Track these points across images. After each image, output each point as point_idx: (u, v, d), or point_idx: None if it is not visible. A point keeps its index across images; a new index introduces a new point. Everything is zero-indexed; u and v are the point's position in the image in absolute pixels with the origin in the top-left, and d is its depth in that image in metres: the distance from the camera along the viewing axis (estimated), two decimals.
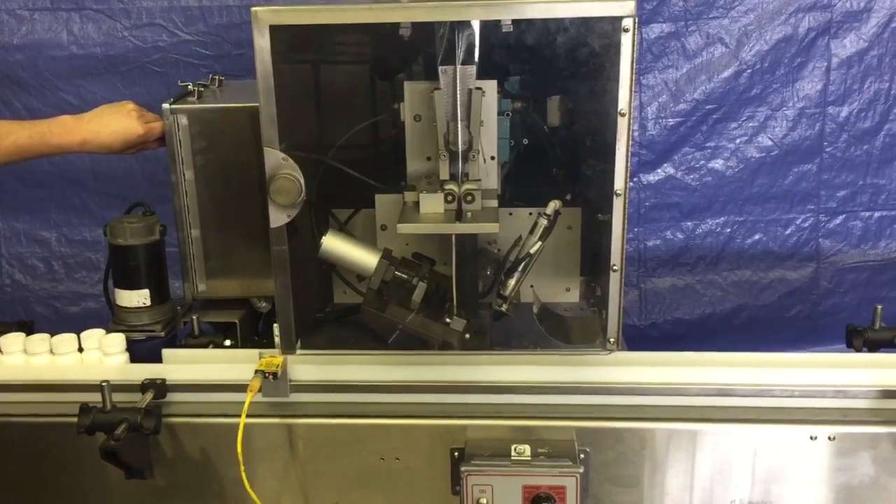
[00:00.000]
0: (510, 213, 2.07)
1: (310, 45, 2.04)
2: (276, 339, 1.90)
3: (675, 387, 1.89)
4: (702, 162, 3.11)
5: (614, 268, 1.79)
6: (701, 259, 3.19)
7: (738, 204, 3.13)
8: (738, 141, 3.07)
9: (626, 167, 1.73)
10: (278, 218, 1.78)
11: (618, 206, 1.76)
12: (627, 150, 1.72)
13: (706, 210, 3.14)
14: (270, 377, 1.88)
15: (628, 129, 1.71)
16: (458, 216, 1.78)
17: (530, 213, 2.04)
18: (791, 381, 1.90)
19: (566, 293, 2.18)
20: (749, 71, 3.02)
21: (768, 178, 3.10)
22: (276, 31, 1.66)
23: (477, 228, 1.82)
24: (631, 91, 1.69)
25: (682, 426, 1.86)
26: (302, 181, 1.75)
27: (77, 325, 2.06)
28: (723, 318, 3.22)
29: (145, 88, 2.96)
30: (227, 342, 2.10)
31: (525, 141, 2.05)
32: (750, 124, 3.07)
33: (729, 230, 3.16)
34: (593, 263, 2.08)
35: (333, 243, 1.94)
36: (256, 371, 1.89)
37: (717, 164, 3.11)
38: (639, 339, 3.22)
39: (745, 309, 3.21)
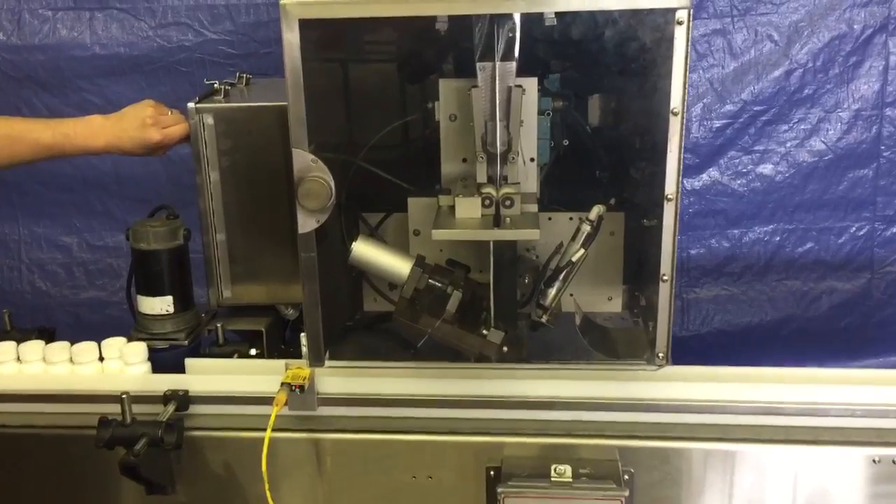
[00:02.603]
0: (549, 218, 1.98)
1: (340, 40, 1.97)
2: (304, 350, 1.81)
3: (727, 404, 1.80)
4: (749, 167, 2.99)
5: (664, 278, 1.69)
6: (747, 269, 3.07)
7: (789, 211, 3.00)
8: (788, 144, 2.95)
9: (678, 170, 1.63)
10: (307, 223, 1.69)
11: (668, 211, 1.65)
12: (680, 152, 1.62)
13: (754, 217, 3.02)
14: (297, 390, 1.82)
15: (681, 130, 1.61)
16: (496, 222, 1.70)
17: (571, 218, 1.97)
18: (852, 398, 1.80)
19: (608, 302, 2.08)
20: (800, 70, 2.89)
21: (821, 184, 2.97)
22: (305, 25, 1.59)
23: (517, 235, 1.73)
24: (685, 89, 1.60)
25: (734, 447, 1.78)
26: (332, 184, 1.66)
27: (99, 334, 2.01)
28: (769, 329, 3.10)
29: (171, 88, 2.84)
30: (253, 351, 2.05)
31: (566, 142, 1.99)
32: (801, 127, 2.94)
33: (778, 239, 3.03)
34: (638, 272, 1.99)
35: (364, 249, 1.86)
36: (283, 384, 1.83)
37: (766, 168, 2.99)
38: (681, 350, 3.02)
39: (793, 320, 3.09)
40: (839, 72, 2.88)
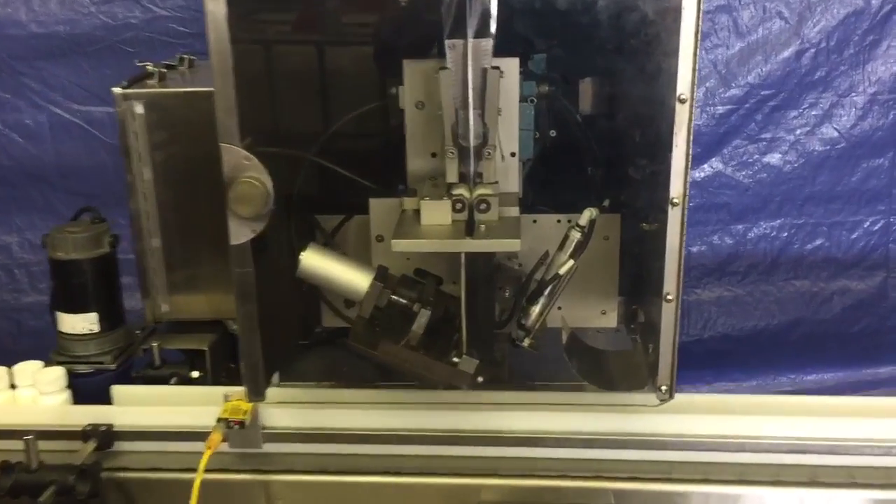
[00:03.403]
0: (534, 221, 1.80)
1: (283, 12, 1.77)
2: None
3: (742, 441, 1.62)
4: (756, 156, 2.83)
5: (668, 297, 1.45)
6: (753, 267, 2.92)
7: (797, 204, 2.86)
8: (798, 132, 2.80)
9: (686, 169, 1.40)
10: (240, 232, 1.44)
11: (674, 218, 1.42)
12: (688, 148, 1.40)
13: (760, 211, 2.87)
14: (236, 426, 1.61)
15: (689, 120, 1.39)
16: (469, 230, 1.50)
17: (558, 221, 1.79)
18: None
19: (601, 317, 1.88)
20: (812, 50, 2.73)
21: (833, 175, 2.83)
22: None
23: (493, 246, 1.50)
24: (694, 71, 1.36)
25: (749, 490, 1.60)
26: (270, 186, 1.42)
27: (42, 342, 1.92)
28: (777, 333, 2.96)
29: (116, 71, 2.58)
30: (195, 374, 1.89)
31: (553, 133, 1.80)
32: (812, 112, 2.79)
33: (786, 234, 2.89)
34: (636, 283, 1.81)
35: (314, 261, 1.62)
36: (219, 420, 1.62)
37: (774, 158, 2.83)
38: (681, 357, 2.89)
39: (802, 323, 2.95)
40: (854, 52, 2.73)
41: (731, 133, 2.83)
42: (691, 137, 1.39)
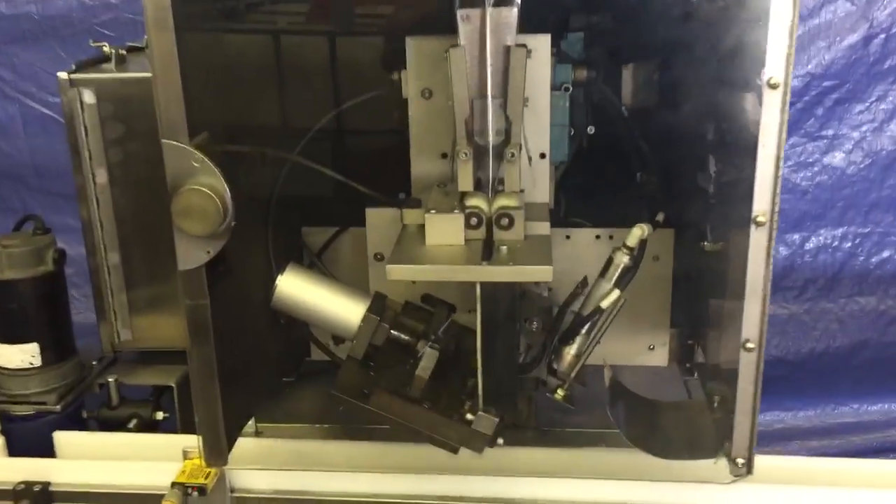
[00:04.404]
0: (567, 237, 1.60)
1: None
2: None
3: None
4: (815, 156, 2.63)
5: (748, 345, 1.14)
6: (811, 282, 2.70)
7: (863, 211, 2.65)
8: (864, 128, 2.59)
9: (776, 178, 1.08)
10: (190, 255, 1.17)
11: (758, 241, 1.12)
12: (779, 150, 1.08)
13: (819, 219, 2.66)
14: (194, 493, 1.36)
15: (783, 112, 1.08)
16: (487, 252, 1.24)
17: (597, 237, 1.59)
18: None
19: (649, 353, 1.67)
20: (882, 36, 2.52)
21: None
22: None
23: (517, 274, 1.23)
24: (791, 45, 1.05)
25: None
26: (227, 197, 1.13)
27: None
28: (838, 357, 2.74)
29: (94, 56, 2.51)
30: (160, 415, 1.73)
31: (591, 130, 1.58)
32: (881, 107, 2.57)
33: (849, 245, 2.68)
34: (694, 313, 1.56)
35: (294, 287, 1.37)
36: (174, 484, 1.37)
37: (836, 158, 2.63)
38: None
39: (867, 346, 2.73)
40: None
41: (789, 130, 2.53)
42: (784, 136, 1.06)
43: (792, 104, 2.51)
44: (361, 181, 1.53)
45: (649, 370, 1.66)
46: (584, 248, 1.58)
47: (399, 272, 1.19)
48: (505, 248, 1.25)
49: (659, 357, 1.67)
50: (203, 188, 1.11)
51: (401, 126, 1.50)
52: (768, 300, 1.14)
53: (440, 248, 1.26)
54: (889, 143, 2.59)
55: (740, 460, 1.19)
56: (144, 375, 1.75)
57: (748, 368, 1.15)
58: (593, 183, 1.66)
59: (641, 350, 1.66)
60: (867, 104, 2.57)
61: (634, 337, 1.64)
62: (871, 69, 2.54)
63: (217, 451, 1.26)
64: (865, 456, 2.82)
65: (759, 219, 1.11)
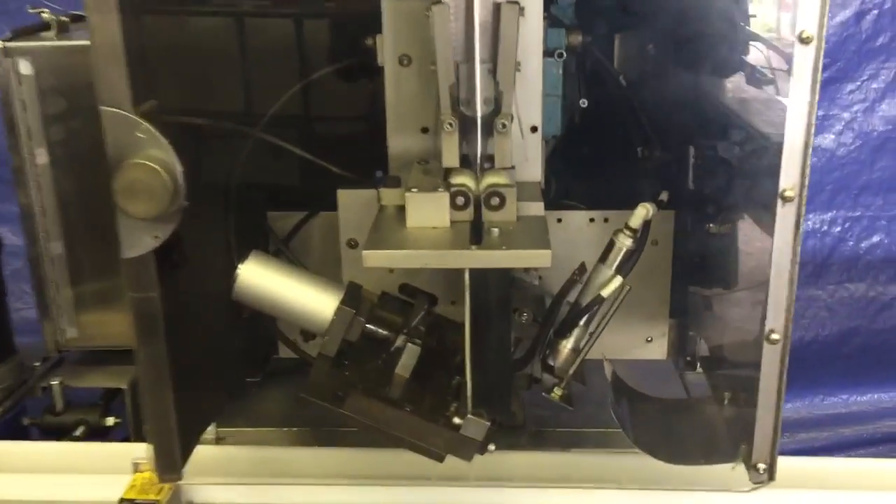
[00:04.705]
0: (559, 220, 1.48)
1: None
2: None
3: None
4: None
5: (772, 336, 1.04)
6: (799, 268, 2.59)
7: (853, 194, 2.64)
8: (854, 108, 2.59)
9: (807, 146, 0.96)
10: (134, 241, 1.04)
11: (785, 219, 1.05)
12: (812, 114, 0.98)
13: (808, 202, 2.55)
14: None
15: (815, 71, 0.95)
16: (476, 235, 1.11)
17: (591, 220, 1.48)
18: None
19: (646, 346, 1.55)
20: (875, 11, 2.52)
21: (895, 160, 2.61)
22: None
23: (512, 259, 1.09)
24: None
25: None
26: (178, 173, 1.00)
27: None
28: (827, 345, 2.72)
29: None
30: (111, 421, 1.64)
31: (583, 103, 1.45)
32: (872, 86, 2.57)
33: (838, 230, 2.67)
34: (697, 303, 1.48)
35: (257, 277, 1.21)
36: (122, 501, 1.25)
37: (826, 140, 2.61)
38: None
39: (857, 334, 2.72)
40: None
41: None
42: (816, 98, 0.95)
43: None
44: (332, 161, 1.43)
45: (639, 364, 1.53)
46: (576, 231, 1.48)
47: (377, 258, 1.05)
48: (496, 230, 1.10)
49: (657, 350, 1.57)
50: (149, 162, 0.96)
51: (376, 97, 1.36)
52: (795, 286, 1.03)
53: (423, 230, 1.12)
54: (880, 124, 2.58)
55: (762, 465, 1.08)
56: (93, 377, 1.67)
57: (772, 362, 1.06)
58: (589, 159, 1.56)
59: (638, 343, 1.56)
60: (858, 83, 2.57)
61: (630, 329, 1.54)
62: (863, 46, 2.53)
63: (170, 464, 1.13)
64: (856, 448, 2.78)
65: (787, 193, 1.02)
